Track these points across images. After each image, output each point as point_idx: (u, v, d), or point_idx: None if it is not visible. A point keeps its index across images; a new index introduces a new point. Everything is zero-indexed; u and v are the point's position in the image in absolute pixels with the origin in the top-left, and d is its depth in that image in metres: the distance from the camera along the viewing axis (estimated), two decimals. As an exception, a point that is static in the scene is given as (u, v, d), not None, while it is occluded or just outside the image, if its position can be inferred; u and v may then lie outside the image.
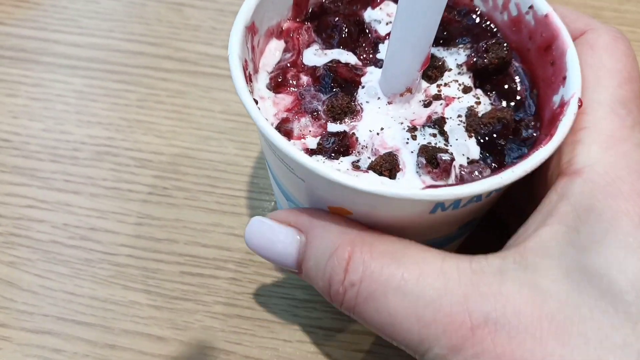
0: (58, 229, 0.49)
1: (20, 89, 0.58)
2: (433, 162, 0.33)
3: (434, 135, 0.35)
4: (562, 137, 0.32)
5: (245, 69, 0.35)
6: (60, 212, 0.50)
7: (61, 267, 0.47)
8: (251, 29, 0.37)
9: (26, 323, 0.45)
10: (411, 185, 0.33)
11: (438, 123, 0.36)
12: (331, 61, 0.38)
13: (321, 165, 0.30)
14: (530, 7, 0.39)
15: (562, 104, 0.35)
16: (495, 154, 0.35)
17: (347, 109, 0.36)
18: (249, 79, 0.36)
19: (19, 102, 0.57)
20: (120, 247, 0.48)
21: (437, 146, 0.35)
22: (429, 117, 0.36)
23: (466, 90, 0.38)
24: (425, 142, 0.35)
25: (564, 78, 0.35)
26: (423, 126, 0.36)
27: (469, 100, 0.37)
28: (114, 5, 0.65)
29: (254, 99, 0.36)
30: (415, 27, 0.33)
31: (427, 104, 0.37)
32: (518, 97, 0.38)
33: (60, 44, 0.62)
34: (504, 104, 0.38)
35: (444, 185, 0.31)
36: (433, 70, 0.38)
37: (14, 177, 0.52)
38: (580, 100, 0.34)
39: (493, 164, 0.35)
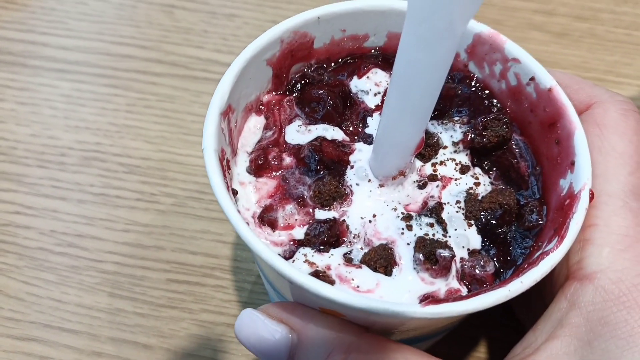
0: (45, 235, 0.51)
1: (6, 93, 0.59)
2: (432, 258, 0.32)
3: (431, 225, 0.34)
4: (574, 238, 0.31)
5: (221, 160, 0.34)
6: (47, 218, 0.51)
7: (48, 274, 0.49)
8: (227, 112, 0.35)
9: (13, 330, 0.46)
10: (408, 285, 0.32)
11: (435, 211, 0.35)
12: (316, 139, 0.37)
13: (312, 280, 0.29)
14: (532, 78, 0.37)
15: (572, 195, 0.33)
16: (498, 244, 0.34)
17: (336, 194, 0.35)
18: (227, 168, 0.35)
19: (5, 107, 0.58)
20: (107, 254, 0.50)
21: (435, 239, 0.33)
22: (425, 202, 0.35)
23: (464, 170, 0.37)
24: (422, 234, 0.34)
25: (572, 163, 0.34)
26: (419, 214, 0.35)
27: (467, 181, 0.36)
28: (104, 6, 0.67)
29: (233, 189, 0.35)
30: (409, 108, 0.31)
31: (422, 185, 0.36)
32: (520, 176, 0.37)
33: (48, 47, 0.63)
34: (506, 183, 0.37)
35: (445, 301, 0.30)
36: (427, 148, 0.37)
37: (1, 183, 0.53)
38: (591, 192, 0.32)
39: (497, 257, 0.34)
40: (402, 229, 0.34)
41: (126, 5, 0.67)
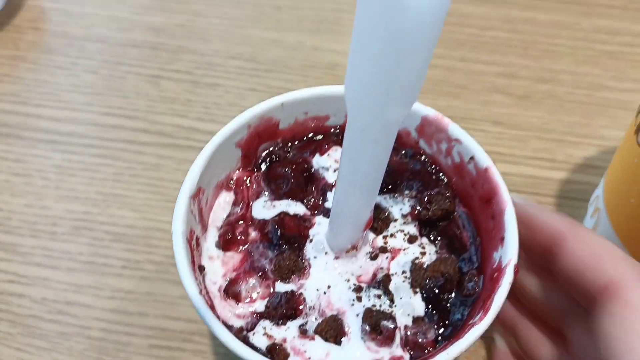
0: (37, 303, 0.54)
1: (2, 165, 0.63)
2: (377, 329, 0.36)
3: (379, 297, 0.38)
4: (496, 312, 0.34)
5: (190, 241, 0.37)
6: (39, 286, 0.55)
7: (39, 340, 0.52)
8: (197, 194, 0.39)
9: (5, 396, 0.49)
10: (355, 354, 0.36)
11: (383, 283, 0.38)
12: (279, 215, 0.41)
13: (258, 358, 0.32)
14: (472, 158, 0.41)
15: (499, 269, 0.36)
16: (440, 310, 0.38)
17: (295, 268, 0.38)
18: (196, 245, 0.39)
19: (1, 178, 0.62)
20: (94, 321, 0.53)
21: (382, 310, 0.37)
22: (375, 274, 0.39)
23: (412, 239, 0.40)
24: (370, 305, 0.37)
25: (502, 238, 0.37)
26: (368, 286, 0.38)
27: (414, 251, 0.40)
28: (94, 79, 0.71)
29: (201, 265, 0.39)
30: (356, 190, 0.35)
31: (373, 257, 0.39)
32: (462, 245, 0.41)
33: (41, 119, 0.67)
34: (450, 252, 0.40)
35: None
36: (379, 222, 0.41)
37: (-4, 253, 0.57)
38: (516, 267, 0.35)
39: (438, 323, 0.38)
40: (353, 300, 0.38)
41: (115, 76, 0.71)
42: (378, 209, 0.41)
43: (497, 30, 0.77)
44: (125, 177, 0.62)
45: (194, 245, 0.38)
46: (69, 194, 0.61)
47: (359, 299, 0.38)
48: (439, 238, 0.41)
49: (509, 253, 0.37)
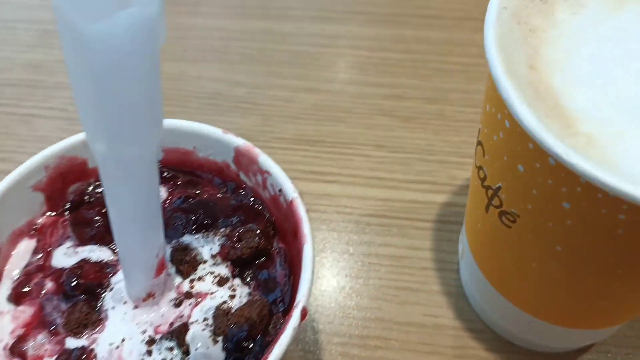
0: None
1: None
2: None
3: (171, 349, 0.35)
4: (278, 358, 0.31)
5: None
6: None
7: None
8: None
9: None
10: None
11: (177, 333, 0.35)
12: (78, 262, 0.38)
13: None
14: (280, 190, 0.39)
15: (291, 309, 0.34)
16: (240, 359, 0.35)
17: (87, 321, 0.36)
18: None
19: None
20: None
21: None
22: (172, 324, 0.36)
23: (222, 282, 0.37)
24: (160, 359, 0.34)
25: (299, 276, 0.35)
26: (161, 338, 0.35)
27: (222, 294, 0.37)
28: (-35, 120, 0.69)
29: None
30: (131, 241, 0.33)
31: (178, 304, 0.36)
32: (277, 284, 0.38)
33: None
34: (265, 292, 0.38)
35: None
36: (184, 265, 0.38)
37: None
38: (304, 310, 0.33)
39: None
40: (143, 354, 0.35)
41: (-14, 117, 0.69)
42: (185, 250, 0.39)
43: (388, 51, 0.76)
44: (-17, 223, 0.60)
45: None
46: None
47: (149, 352, 0.35)
48: (252, 278, 0.38)
49: (299, 293, 0.34)
